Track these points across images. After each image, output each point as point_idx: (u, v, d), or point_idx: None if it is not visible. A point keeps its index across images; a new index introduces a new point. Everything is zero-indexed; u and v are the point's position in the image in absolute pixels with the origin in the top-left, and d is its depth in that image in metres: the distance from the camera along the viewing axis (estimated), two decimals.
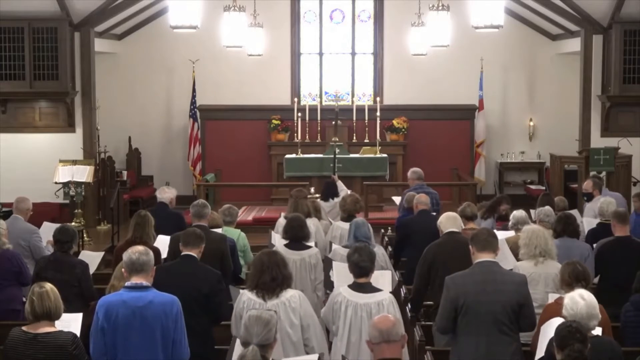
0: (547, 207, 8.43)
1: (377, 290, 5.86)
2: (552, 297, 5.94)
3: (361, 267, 5.79)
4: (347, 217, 8.52)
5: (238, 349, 4.27)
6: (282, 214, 9.00)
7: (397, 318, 4.61)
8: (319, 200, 10.47)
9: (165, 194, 9.11)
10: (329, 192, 10.66)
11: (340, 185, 11.18)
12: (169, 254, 7.34)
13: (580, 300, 4.89)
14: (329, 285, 6.73)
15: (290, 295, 5.69)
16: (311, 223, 8.42)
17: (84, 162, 13.24)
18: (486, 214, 9.46)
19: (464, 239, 7.00)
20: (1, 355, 5.10)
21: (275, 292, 5.61)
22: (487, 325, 5.38)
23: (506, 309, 5.39)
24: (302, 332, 5.62)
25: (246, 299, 5.65)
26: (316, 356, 5.08)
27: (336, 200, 10.30)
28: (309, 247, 7.38)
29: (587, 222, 8.97)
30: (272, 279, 5.63)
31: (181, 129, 16.97)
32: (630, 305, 6.25)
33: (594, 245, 7.74)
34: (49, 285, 5.10)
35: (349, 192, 10.43)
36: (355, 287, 5.81)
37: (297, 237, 7.30)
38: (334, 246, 7.82)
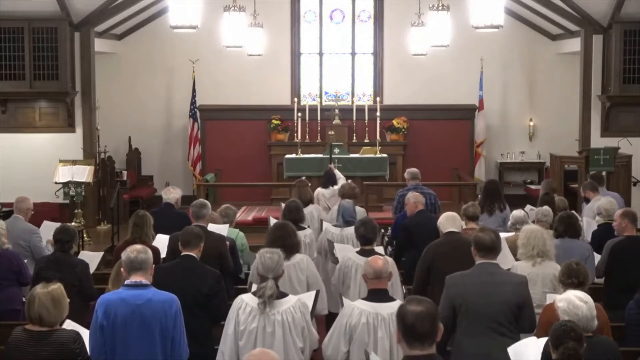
0: (545, 207, 8.40)
1: (379, 254, 6.76)
2: (550, 298, 5.92)
3: (367, 238, 7.05)
4: None
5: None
6: (282, 204, 9.51)
7: (386, 259, 5.78)
8: (319, 188, 11.31)
9: (171, 194, 9.14)
10: (328, 180, 11.41)
11: (337, 173, 11.90)
12: (168, 253, 7.34)
13: (582, 304, 4.88)
14: (335, 260, 7.63)
15: (299, 258, 6.77)
16: (313, 208, 9.73)
17: (84, 162, 13.24)
18: (487, 208, 9.39)
19: (464, 239, 7.00)
20: (2, 354, 5.10)
21: (287, 256, 6.47)
22: (486, 327, 5.36)
23: (505, 310, 5.37)
24: (307, 290, 6.54)
25: None
26: (314, 292, 6.11)
27: (335, 187, 11.04)
28: (304, 228, 8.29)
29: (587, 222, 8.94)
30: (283, 245, 6.44)
31: (181, 129, 16.98)
32: (633, 304, 6.22)
33: (605, 244, 7.59)
34: (41, 291, 4.97)
35: (346, 180, 11.50)
36: (362, 252, 6.97)
37: (294, 219, 7.96)
38: (325, 224, 8.82)
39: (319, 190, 11.22)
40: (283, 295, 5.40)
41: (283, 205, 9.42)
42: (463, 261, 6.28)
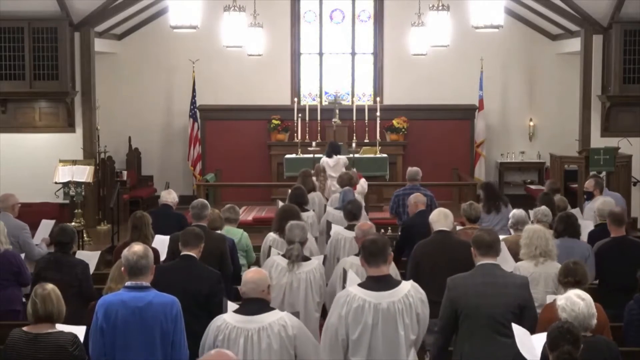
0: (544, 207, 8.37)
1: None
2: (550, 299, 5.92)
3: (353, 213, 8.17)
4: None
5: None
6: (288, 191, 10.60)
7: (371, 224, 7.05)
8: (323, 157, 12.91)
9: (170, 195, 9.29)
10: (332, 150, 12.93)
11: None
12: (168, 254, 7.34)
13: (580, 301, 4.85)
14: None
15: None
16: (315, 195, 10.65)
17: (84, 162, 13.22)
18: (493, 207, 9.38)
19: (453, 239, 6.97)
20: (1, 355, 5.10)
21: None
22: (488, 328, 5.34)
23: (507, 311, 5.34)
24: None
25: (272, 238, 7.76)
26: (322, 257, 7.19)
27: (339, 157, 12.81)
28: (307, 210, 9.21)
29: (585, 224, 8.88)
30: None
31: (181, 129, 16.98)
32: (634, 304, 6.20)
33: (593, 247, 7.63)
34: (50, 286, 5.08)
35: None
36: (349, 227, 8.02)
37: (298, 202, 8.79)
38: (328, 208, 10.02)
39: (324, 159, 12.77)
40: (307, 259, 6.61)
41: (286, 198, 10.45)
42: (449, 261, 6.34)
